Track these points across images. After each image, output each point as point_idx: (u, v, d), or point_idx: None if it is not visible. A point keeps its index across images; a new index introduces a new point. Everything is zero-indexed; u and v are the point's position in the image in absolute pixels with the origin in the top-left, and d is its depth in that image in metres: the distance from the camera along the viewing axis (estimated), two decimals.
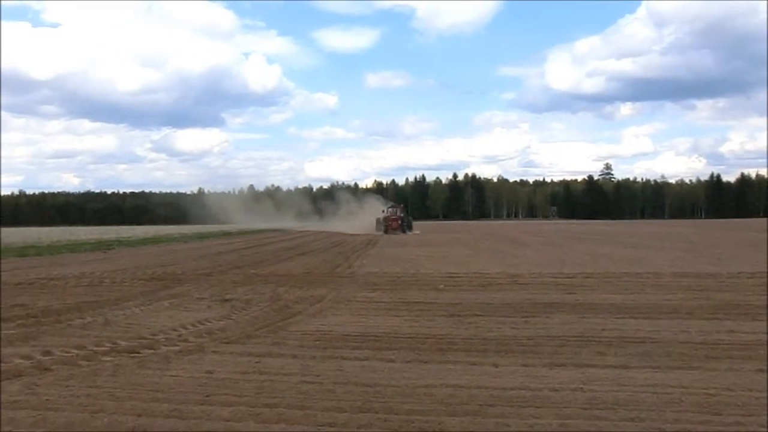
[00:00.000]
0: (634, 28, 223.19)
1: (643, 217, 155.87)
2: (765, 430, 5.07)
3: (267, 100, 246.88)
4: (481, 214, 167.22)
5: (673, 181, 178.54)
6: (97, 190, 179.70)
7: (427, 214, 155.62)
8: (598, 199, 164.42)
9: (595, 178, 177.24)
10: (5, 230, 69.78)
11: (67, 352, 8.09)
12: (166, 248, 35.91)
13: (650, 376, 6.77)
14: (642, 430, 5.08)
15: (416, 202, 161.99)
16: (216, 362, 7.62)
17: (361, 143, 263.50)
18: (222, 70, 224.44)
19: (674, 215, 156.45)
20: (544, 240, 40.80)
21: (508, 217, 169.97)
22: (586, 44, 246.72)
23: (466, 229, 69.35)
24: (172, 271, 20.00)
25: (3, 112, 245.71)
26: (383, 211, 60.93)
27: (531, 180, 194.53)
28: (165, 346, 8.55)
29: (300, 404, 5.84)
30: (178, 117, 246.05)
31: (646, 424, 5.21)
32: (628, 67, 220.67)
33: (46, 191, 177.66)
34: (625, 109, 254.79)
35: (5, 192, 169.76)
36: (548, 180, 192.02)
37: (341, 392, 6.25)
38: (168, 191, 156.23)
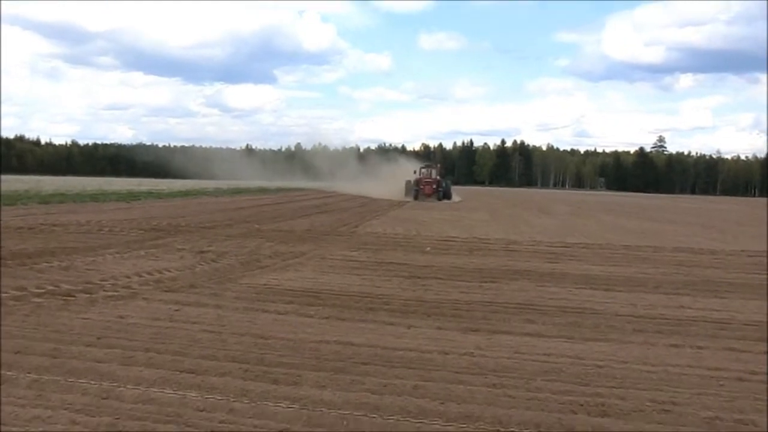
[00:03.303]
0: None
1: (694, 192, 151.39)
2: (620, 402, 4.89)
3: (320, 58, 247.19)
4: (528, 182, 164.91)
5: (729, 157, 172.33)
6: (149, 143, 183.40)
7: (473, 180, 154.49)
8: (649, 172, 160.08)
9: (647, 150, 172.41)
10: (51, 178, 72.17)
11: (4, 293, 8.32)
12: (192, 201, 36.52)
13: (555, 345, 6.59)
14: (494, 396, 4.96)
15: (463, 166, 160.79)
16: (137, 308, 7.75)
17: (412, 105, 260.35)
18: (276, 27, 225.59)
19: (726, 192, 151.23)
20: (573, 210, 40.05)
21: (555, 186, 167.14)
22: (647, 11, 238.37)
23: (504, 197, 68.42)
24: (176, 223, 20.35)
25: (60, 62, 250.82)
26: (415, 172, 49.66)
27: (582, 150, 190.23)
28: (104, 291, 8.75)
29: (179, 351, 5.91)
30: (231, 73, 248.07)
31: (502, 391, 5.08)
32: (691, 36, 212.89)
33: (99, 142, 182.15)
34: (685, 80, 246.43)
35: (60, 141, 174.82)
36: (599, 150, 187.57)
37: (231, 342, 6.29)
38: (219, 146, 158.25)
